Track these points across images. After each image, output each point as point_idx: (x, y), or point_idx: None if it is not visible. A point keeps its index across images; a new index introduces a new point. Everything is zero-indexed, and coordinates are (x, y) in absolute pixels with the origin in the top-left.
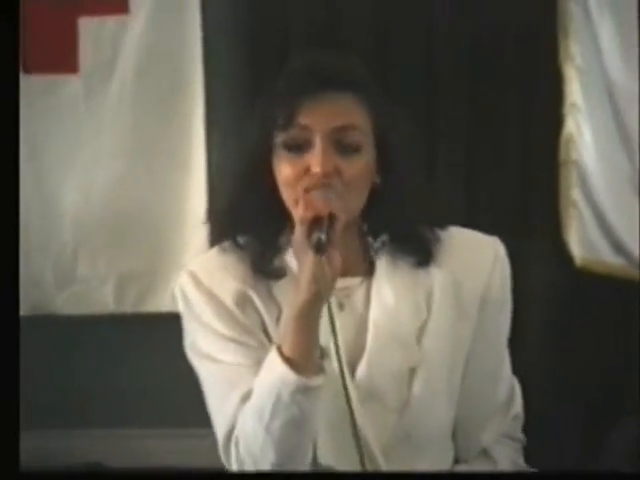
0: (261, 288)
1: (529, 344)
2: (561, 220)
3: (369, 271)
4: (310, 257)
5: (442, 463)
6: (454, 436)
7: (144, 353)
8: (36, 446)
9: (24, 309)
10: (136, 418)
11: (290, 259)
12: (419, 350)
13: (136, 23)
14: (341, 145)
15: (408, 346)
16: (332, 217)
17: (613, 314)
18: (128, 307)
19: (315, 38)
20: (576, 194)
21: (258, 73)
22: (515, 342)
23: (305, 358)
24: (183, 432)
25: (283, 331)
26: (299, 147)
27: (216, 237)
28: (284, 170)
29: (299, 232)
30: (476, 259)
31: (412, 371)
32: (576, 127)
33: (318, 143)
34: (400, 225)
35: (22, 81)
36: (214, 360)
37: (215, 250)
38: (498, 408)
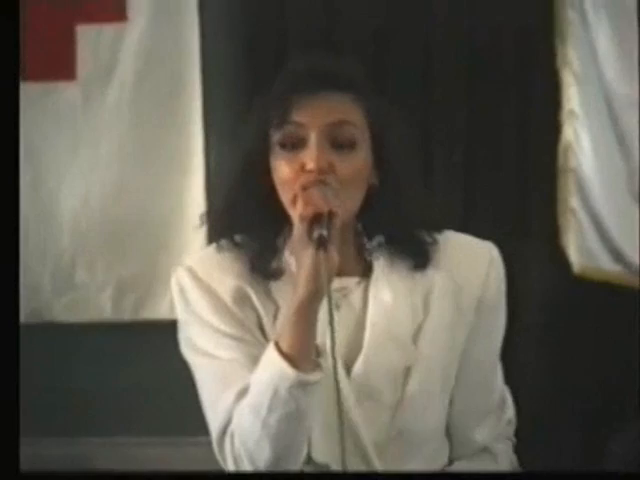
0: (259, 286)
1: (527, 351)
2: (559, 227)
3: (366, 272)
4: (310, 253)
5: (435, 462)
6: (448, 435)
7: (142, 360)
8: (34, 453)
9: (22, 316)
10: (135, 426)
11: (288, 259)
12: (415, 350)
13: (134, 30)
14: (336, 141)
15: (404, 346)
16: (331, 214)
17: (611, 321)
18: (126, 314)
19: (313, 42)
20: (574, 201)
21: (256, 77)
22: (513, 349)
23: (303, 354)
24: (182, 440)
25: (281, 327)
26: (294, 145)
27: (214, 237)
28: (281, 168)
29: (299, 229)
30: (472, 262)
31: (407, 370)
32: (574, 134)
33: (313, 139)
34: (397, 227)
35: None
36: (210, 356)
37: (212, 248)
38: (491, 409)
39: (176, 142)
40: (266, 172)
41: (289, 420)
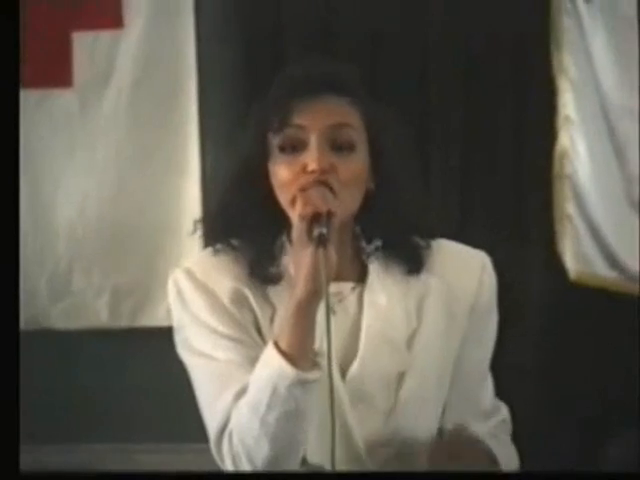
0: (256, 288)
1: (524, 356)
2: (555, 233)
3: (361, 277)
4: (310, 252)
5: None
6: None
7: (140, 366)
8: (32, 460)
9: None
10: (133, 432)
11: (286, 263)
12: (409, 355)
13: (130, 36)
14: (336, 144)
15: (399, 351)
16: (330, 214)
17: (608, 327)
18: (123, 320)
19: (309, 46)
20: (570, 208)
21: (252, 82)
22: (510, 354)
23: (302, 352)
24: (180, 446)
25: (280, 326)
26: (294, 147)
27: (210, 241)
28: (280, 172)
29: (299, 228)
30: (465, 269)
31: (401, 376)
32: (570, 141)
33: (313, 141)
34: (393, 231)
35: None
36: (207, 356)
37: (208, 251)
38: (484, 413)
39: (172, 148)
40: (264, 177)
41: (288, 418)
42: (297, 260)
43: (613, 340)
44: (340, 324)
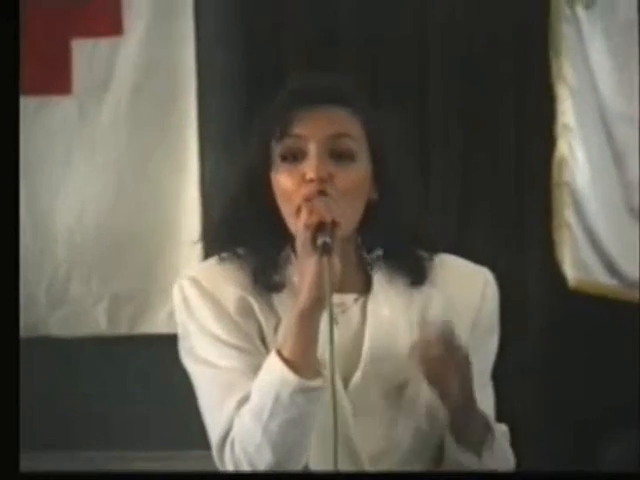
0: (261, 297)
1: (522, 365)
2: (554, 241)
3: (364, 288)
4: (314, 261)
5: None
6: (441, 448)
7: (138, 374)
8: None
9: None
10: (131, 440)
11: (291, 272)
12: (411, 366)
13: (130, 43)
14: (336, 153)
15: (401, 361)
16: (334, 224)
17: (607, 335)
18: (122, 328)
19: (309, 52)
20: (569, 215)
21: (252, 88)
22: (508, 363)
23: (305, 360)
24: (177, 454)
25: (284, 333)
26: (295, 156)
27: (214, 250)
28: (282, 181)
29: (303, 237)
30: (468, 284)
31: (404, 385)
32: (569, 149)
33: (312, 150)
34: (395, 241)
35: None
36: (211, 364)
37: (214, 259)
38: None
39: (172, 153)
40: (267, 186)
41: (290, 426)
42: (301, 269)
43: (613, 348)
44: (343, 334)
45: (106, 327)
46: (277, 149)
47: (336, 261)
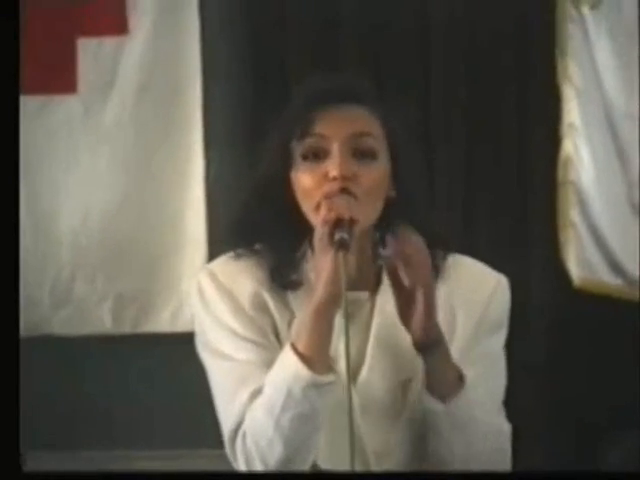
0: (276, 293)
1: (526, 364)
2: (559, 241)
3: (376, 286)
4: (331, 256)
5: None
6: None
7: (142, 373)
8: (33, 467)
9: (20, 329)
10: (136, 439)
11: (307, 270)
12: (416, 363)
13: (135, 42)
14: (358, 152)
15: (406, 358)
16: (352, 221)
17: (612, 334)
18: (126, 327)
19: (314, 49)
20: (574, 214)
21: (257, 89)
22: (511, 362)
23: (319, 355)
24: (181, 453)
25: (298, 328)
26: (317, 155)
27: (232, 246)
28: (303, 180)
29: (321, 232)
30: (479, 285)
31: (408, 382)
32: (574, 148)
33: (336, 149)
34: None
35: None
36: (226, 357)
37: (230, 255)
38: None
39: (176, 155)
40: (287, 185)
41: (302, 421)
42: (318, 264)
43: (617, 347)
44: (352, 330)
45: (110, 326)
46: (298, 149)
47: (353, 258)
